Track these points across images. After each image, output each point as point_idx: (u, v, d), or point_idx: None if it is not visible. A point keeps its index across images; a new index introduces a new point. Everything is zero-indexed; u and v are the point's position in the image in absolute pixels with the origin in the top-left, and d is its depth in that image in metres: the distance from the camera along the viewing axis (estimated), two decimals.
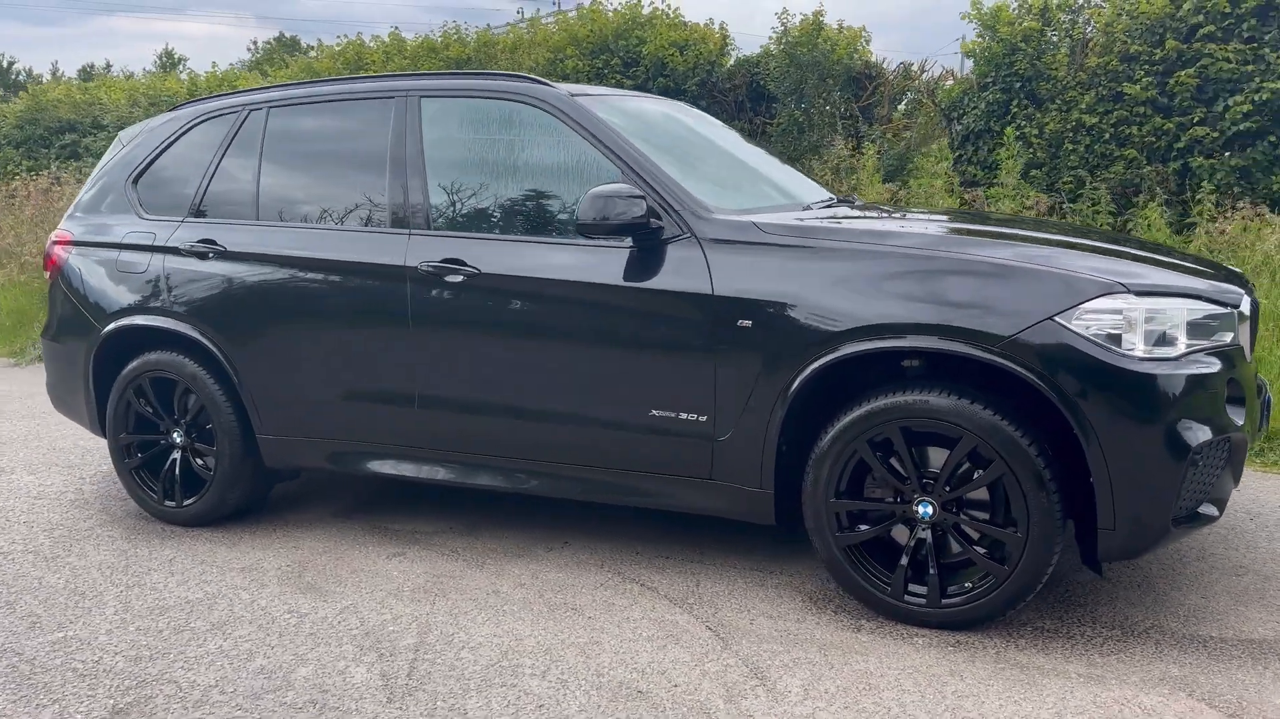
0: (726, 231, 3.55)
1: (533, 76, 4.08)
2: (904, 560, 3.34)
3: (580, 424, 3.77)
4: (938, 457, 3.33)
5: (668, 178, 3.68)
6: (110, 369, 4.70)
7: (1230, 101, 8.10)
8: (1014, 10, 9.39)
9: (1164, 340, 3.06)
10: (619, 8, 11.00)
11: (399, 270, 3.98)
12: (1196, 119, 8.25)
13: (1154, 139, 8.45)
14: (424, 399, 4.02)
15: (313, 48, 15.01)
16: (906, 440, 3.27)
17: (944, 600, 3.30)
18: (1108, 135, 8.63)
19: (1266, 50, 8.02)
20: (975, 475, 3.23)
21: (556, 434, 3.82)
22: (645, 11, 10.77)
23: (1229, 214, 7.79)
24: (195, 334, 4.41)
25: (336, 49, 12.93)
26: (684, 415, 3.58)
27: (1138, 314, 3.03)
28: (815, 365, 3.32)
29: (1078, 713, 2.81)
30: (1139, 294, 3.06)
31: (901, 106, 10.87)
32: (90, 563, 4.19)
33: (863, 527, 3.41)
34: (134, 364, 4.57)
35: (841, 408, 3.40)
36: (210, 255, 4.39)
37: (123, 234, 4.67)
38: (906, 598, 3.34)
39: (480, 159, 4.11)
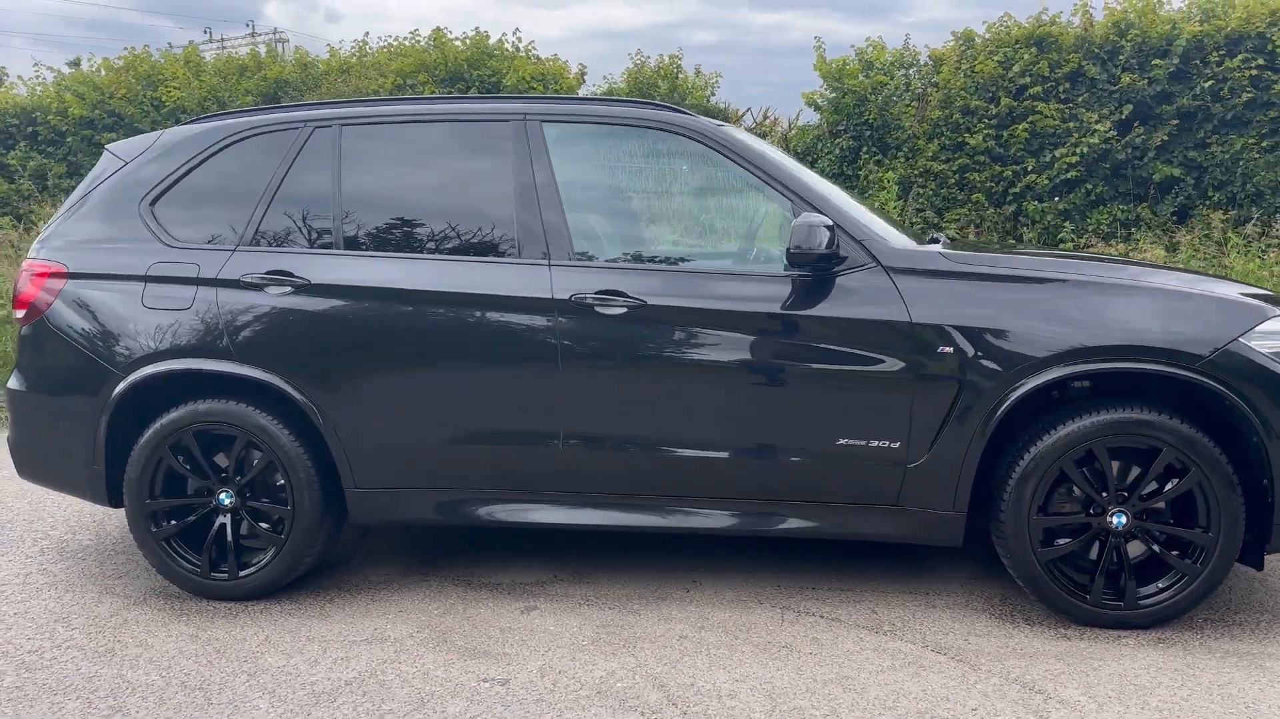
0: (912, 260, 3.65)
1: (672, 105, 3.99)
2: (1101, 569, 3.57)
3: (757, 456, 3.70)
4: (1114, 470, 3.56)
5: (845, 207, 3.73)
6: (128, 424, 4.00)
7: (1056, 153, 9.27)
8: (854, 64, 10.19)
9: None
10: (463, 37, 10.74)
11: (544, 303, 3.72)
12: (1029, 167, 9.35)
13: (993, 184, 9.48)
14: (572, 438, 3.76)
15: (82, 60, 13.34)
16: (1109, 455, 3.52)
17: (1140, 602, 3.55)
18: (953, 181, 9.57)
19: (1081, 110, 9.25)
20: (1169, 484, 3.52)
21: (728, 467, 3.73)
22: (492, 41, 10.59)
23: (1058, 247, 8.91)
24: (270, 379, 3.85)
25: (121, 62, 11.63)
26: (875, 443, 3.62)
27: None
28: (1023, 390, 3.49)
29: None
30: None
31: None
32: (167, 652, 3.53)
33: (1060, 541, 3.61)
34: (173, 416, 3.91)
35: (1030, 428, 3.59)
36: (289, 289, 3.87)
37: (146, 265, 3.99)
38: (1105, 604, 3.57)
39: (622, 187, 3.95)
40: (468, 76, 10.32)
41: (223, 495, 3.97)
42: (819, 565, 4.22)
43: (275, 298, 3.87)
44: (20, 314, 4.15)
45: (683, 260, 3.85)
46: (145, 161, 4.16)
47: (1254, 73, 8.92)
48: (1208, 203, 9.24)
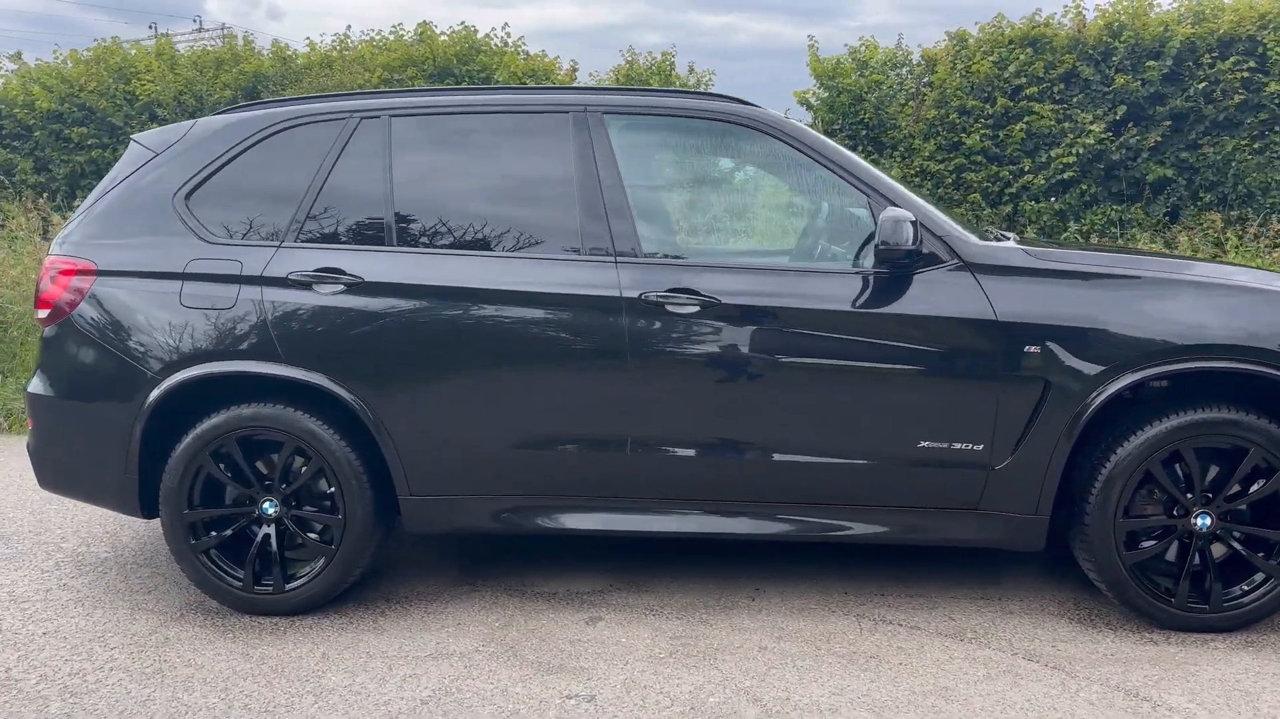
0: (995, 257, 3.56)
1: (737, 97, 3.86)
2: (1185, 572, 3.51)
3: (835, 460, 3.59)
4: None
5: (923, 204, 3.63)
6: (162, 431, 3.78)
7: (1052, 153, 9.29)
8: (848, 63, 10.13)
9: None
10: (450, 31, 10.52)
11: (612, 302, 3.57)
12: (1026, 168, 9.37)
13: (990, 184, 9.48)
14: (640, 442, 3.62)
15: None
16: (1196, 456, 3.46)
17: (1225, 605, 3.50)
18: (950, 181, 9.56)
19: (1076, 111, 9.29)
20: (1254, 485, 3.47)
21: (804, 471, 3.61)
22: (480, 36, 10.38)
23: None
24: (320, 382, 3.66)
25: (89, 54, 11.22)
26: (957, 445, 3.52)
27: None
28: (1113, 390, 3.41)
29: None
30: None
31: None
32: (220, 672, 3.32)
33: (1145, 544, 3.54)
34: (214, 421, 3.70)
35: (1111, 429, 3.52)
36: (340, 288, 3.67)
37: (183, 262, 3.77)
38: (1190, 607, 3.51)
39: (690, 181, 3.81)
40: (457, 72, 10.09)
41: (266, 504, 3.76)
42: (882, 570, 4.12)
43: (326, 297, 3.68)
44: (43, 315, 3.90)
45: (752, 256, 3.72)
46: (178, 153, 3.94)
47: (1245, 75, 9.01)
48: (1199, 203, 9.32)
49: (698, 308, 3.55)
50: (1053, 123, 9.32)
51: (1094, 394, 3.42)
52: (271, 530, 3.77)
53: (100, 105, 10.71)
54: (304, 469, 3.74)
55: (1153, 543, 3.54)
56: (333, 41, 11.01)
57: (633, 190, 3.71)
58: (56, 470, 3.98)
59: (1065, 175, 9.27)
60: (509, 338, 3.63)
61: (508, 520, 3.74)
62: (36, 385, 3.93)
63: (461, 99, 3.95)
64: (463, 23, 10.64)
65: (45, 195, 10.58)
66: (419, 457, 3.68)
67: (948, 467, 3.54)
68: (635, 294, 3.56)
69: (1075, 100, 9.38)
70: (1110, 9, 9.62)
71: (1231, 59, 9.06)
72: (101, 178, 10.76)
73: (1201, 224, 9.13)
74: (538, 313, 3.62)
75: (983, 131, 9.47)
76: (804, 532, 3.68)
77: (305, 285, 3.69)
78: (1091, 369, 3.42)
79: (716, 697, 3.11)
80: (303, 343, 3.66)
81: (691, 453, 3.62)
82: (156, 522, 4.80)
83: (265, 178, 3.88)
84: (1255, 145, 9.13)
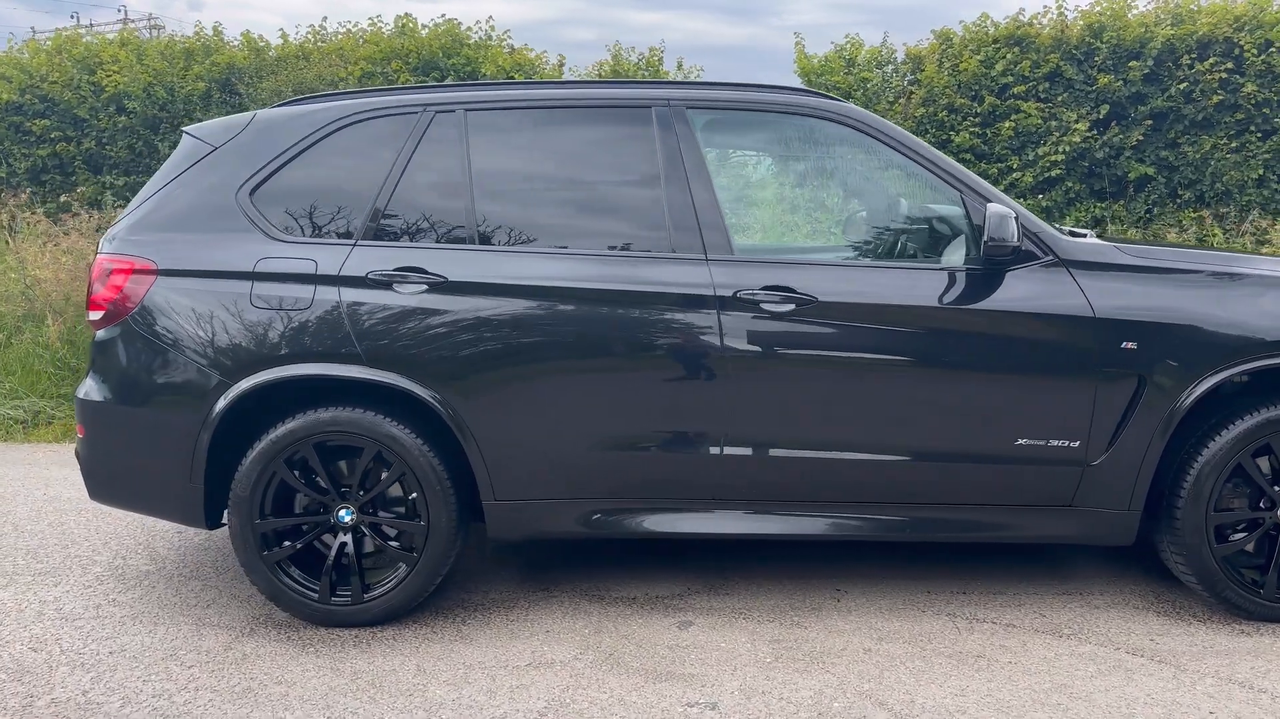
0: (1089, 254, 3.57)
1: (827, 94, 3.81)
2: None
3: (933, 459, 3.57)
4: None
5: (1013, 202, 3.62)
6: (229, 437, 3.62)
7: (1039, 151, 9.44)
8: (836, 60, 10.17)
9: None
10: (431, 24, 10.31)
11: (705, 300, 3.51)
12: (1014, 165, 9.51)
13: None
14: (733, 443, 3.56)
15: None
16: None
17: None
18: None
19: (1061, 110, 9.45)
20: None
21: (899, 472, 3.58)
22: (463, 28, 10.20)
23: None
24: (403, 384, 3.53)
25: (50, 44, 10.78)
26: (1055, 442, 3.53)
27: None
28: (1208, 385, 3.45)
29: None
30: None
31: None
32: (315, 689, 3.18)
33: (1235, 536, 3.58)
34: (290, 426, 3.55)
35: (1199, 423, 3.56)
36: (422, 287, 3.55)
37: (252, 260, 3.61)
38: (1278, 598, 3.56)
39: (776, 177, 3.75)
40: (442, 65, 9.89)
41: (342, 512, 3.62)
42: (955, 567, 4.12)
43: (407, 296, 3.55)
44: (96, 317, 3.70)
45: (834, 252, 3.68)
46: (238, 147, 3.77)
47: (1223, 76, 9.24)
48: (1178, 201, 9.55)
49: (793, 306, 3.50)
50: (1039, 121, 9.46)
51: (1189, 389, 3.45)
52: (349, 539, 3.63)
53: (65, 97, 10.29)
54: (384, 475, 3.60)
55: (1242, 535, 3.58)
56: (307, 33, 10.71)
57: (720, 186, 3.64)
58: (111, 481, 3.78)
59: (1053, 173, 9.42)
60: (598, 337, 3.55)
61: (596, 525, 3.65)
62: (89, 391, 3.73)
63: (538, 93, 3.84)
64: (444, 15, 10.45)
65: (5, 191, 10.15)
66: (504, 460, 3.58)
67: (1045, 464, 3.54)
68: (729, 292, 3.50)
69: (1060, 99, 9.54)
70: (1090, 9, 9.79)
71: (1210, 60, 9.29)
72: (65, 172, 10.46)
73: (1180, 221, 9.35)
74: (628, 312, 3.54)
75: (971, 129, 9.59)
76: (902, 533, 3.65)
77: (385, 285, 3.55)
78: (1185, 365, 3.45)
79: (840, 702, 3.07)
80: (383, 344, 3.53)
81: (786, 454, 3.57)
82: (190, 531, 4.66)
83: (336, 173, 3.73)
84: (1233, 144, 9.38)
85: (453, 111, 3.74)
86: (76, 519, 4.95)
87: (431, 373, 3.53)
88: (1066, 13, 9.80)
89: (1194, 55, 9.34)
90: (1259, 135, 9.37)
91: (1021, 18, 9.85)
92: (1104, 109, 9.44)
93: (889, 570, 4.10)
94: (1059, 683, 3.17)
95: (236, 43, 10.83)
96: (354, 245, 3.62)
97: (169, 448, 3.61)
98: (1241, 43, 9.27)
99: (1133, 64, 9.38)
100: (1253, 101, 9.29)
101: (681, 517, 3.66)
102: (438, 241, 3.64)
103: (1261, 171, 9.37)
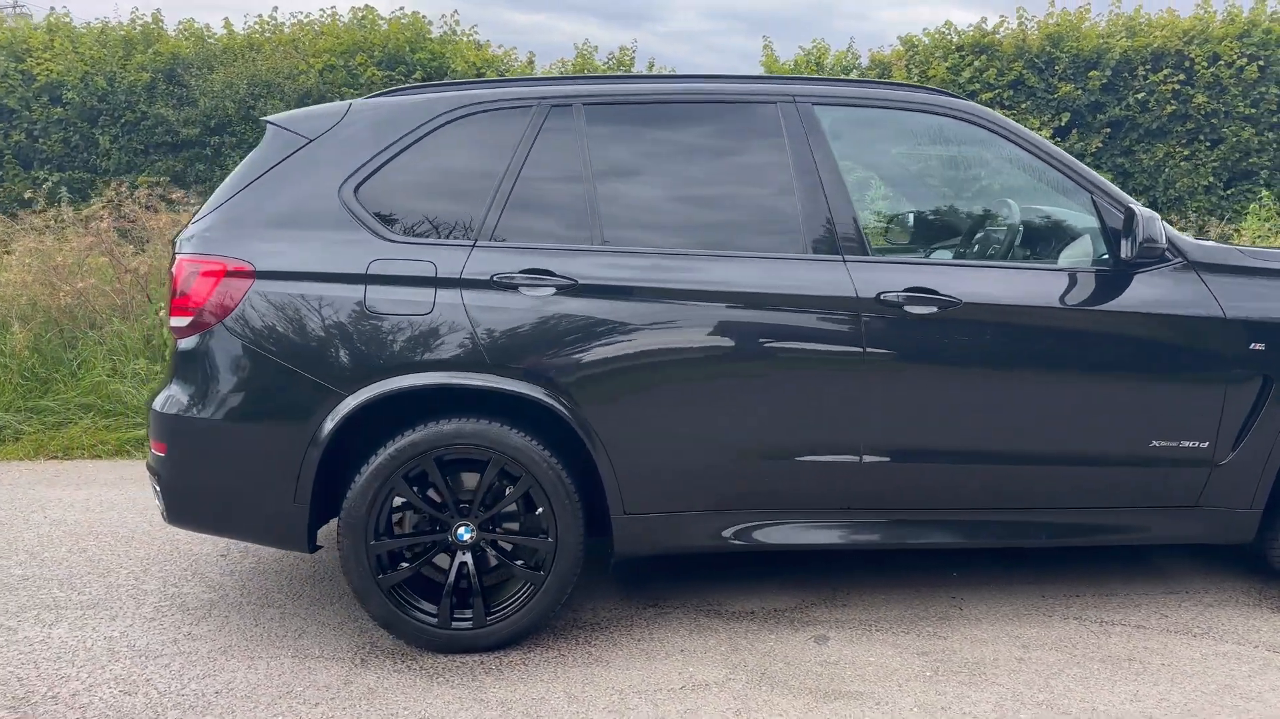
0: (1214, 257, 3.61)
1: (944, 89, 3.75)
2: None
3: (1070, 463, 3.54)
4: None
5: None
6: (337, 453, 3.36)
7: None
8: (806, 65, 10.23)
9: None
10: (391, 17, 9.95)
11: (848, 303, 3.40)
12: None
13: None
14: (873, 449, 3.47)
15: None
16: None
17: None
18: None
19: (1025, 117, 9.71)
20: None
21: (1037, 477, 3.55)
22: (426, 20, 9.88)
23: None
24: (532, 393, 3.32)
25: None
26: (1185, 443, 3.55)
27: None
28: None
29: None
30: None
31: None
32: None
33: None
34: (412, 439, 3.29)
35: None
36: (550, 290, 3.35)
37: (364, 262, 3.34)
38: None
39: (905, 175, 3.68)
40: (408, 59, 9.53)
41: (461, 530, 3.39)
42: (1058, 571, 4.11)
43: (535, 300, 3.34)
44: (182, 323, 3.38)
45: (983, 255, 3.63)
46: (337, 140, 3.49)
47: (1175, 87, 9.64)
48: None
49: (936, 308, 3.42)
50: None
51: None
52: (469, 558, 3.40)
53: None
54: (508, 489, 3.39)
55: None
56: (254, 24, 10.20)
57: (851, 184, 3.55)
58: (198, 503, 3.45)
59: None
60: (733, 342, 3.41)
61: (730, 538, 3.50)
62: (171, 404, 3.40)
63: (656, 88, 3.67)
64: (402, 8, 10.09)
65: None
66: (637, 472, 3.40)
67: (1175, 465, 3.56)
68: (872, 294, 3.41)
69: (1024, 106, 9.80)
70: (1045, 20, 10.09)
71: (1163, 71, 9.67)
72: None
73: None
74: (764, 315, 3.41)
75: None
76: (1027, 538, 3.62)
77: (512, 288, 3.34)
78: None
79: (1025, 713, 3.00)
80: (511, 351, 3.31)
81: (928, 464, 3.49)
82: (237, 553, 4.34)
83: (448, 169, 3.49)
84: (1185, 153, 9.78)
85: (569, 105, 3.54)
86: (97, 544, 4.54)
87: (561, 381, 3.33)
88: (1026, 23, 10.06)
89: (1148, 67, 9.70)
90: (1208, 144, 9.80)
91: (985, 26, 10.07)
92: (1065, 116, 9.73)
93: (994, 576, 4.07)
94: (1223, 684, 3.17)
95: (175, 32, 10.25)
96: (473, 246, 3.39)
97: (272, 467, 3.32)
98: (1192, 55, 9.67)
99: (1092, 73, 9.69)
100: (1202, 112, 9.71)
101: (817, 528, 3.54)
102: (561, 242, 3.44)
103: (1210, 179, 9.79)
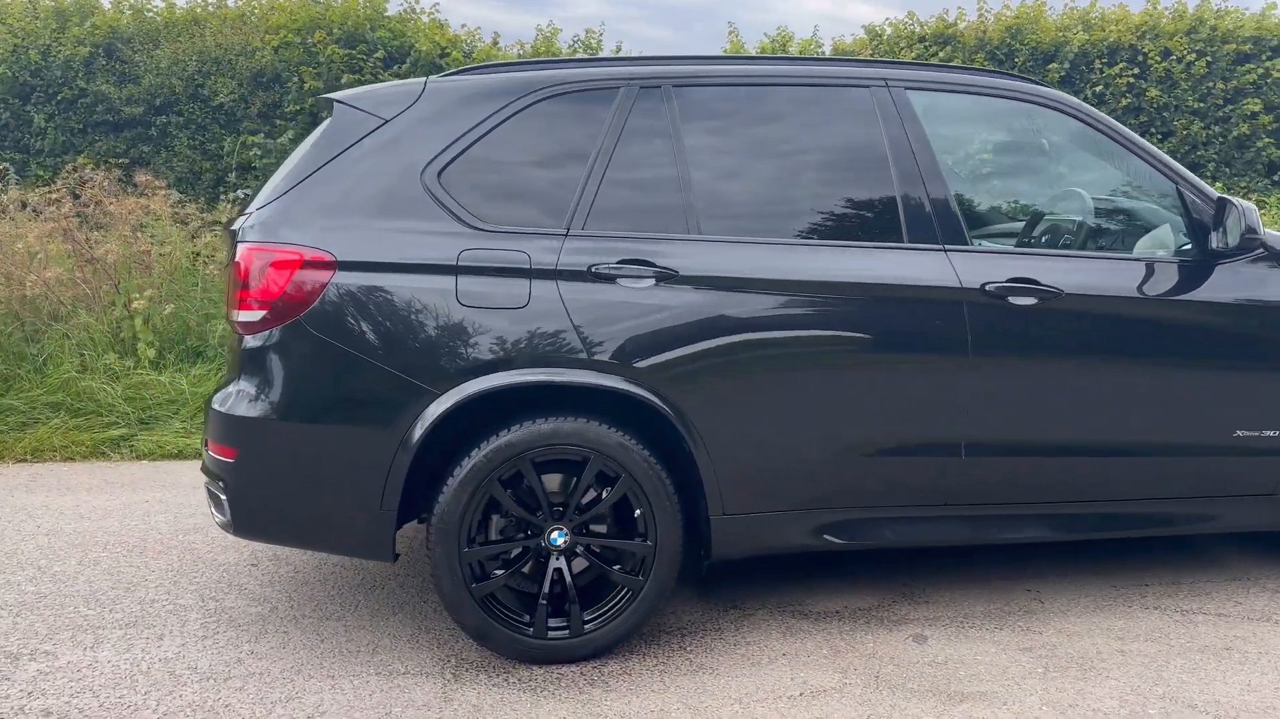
0: None
1: (1031, 78, 3.70)
2: None
3: (1160, 454, 3.54)
4: None
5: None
6: (431, 455, 3.15)
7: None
8: (760, 50, 10.19)
9: None
10: None
11: (951, 293, 3.33)
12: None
13: None
14: (975, 443, 3.41)
15: None
16: None
17: None
18: None
19: None
20: None
21: (1128, 468, 3.54)
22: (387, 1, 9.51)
23: None
24: (633, 389, 3.16)
25: None
26: (1268, 433, 3.59)
27: None
28: None
29: None
30: None
31: None
32: None
33: None
34: (508, 439, 3.10)
35: None
36: (650, 281, 3.19)
37: (455, 252, 3.13)
38: None
39: (990, 162, 3.63)
40: (369, 38, 9.13)
41: (555, 534, 3.21)
42: (1121, 560, 4.14)
43: (635, 292, 3.18)
44: (252, 318, 3.11)
45: (1081, 244, 3.60)
46: (415, 121, 3.26)
47: (1130, 80, 9.90)
48: None
49: (1037, 299, 3.38)
50: None
51: None
52: (563, 564, 3.23)
53: None
54: (605, 491, 3.23)
55: None
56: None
57: (948, 171, 3.48)
58: (272, 512, 3.20)
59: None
60: (837, 333, 3.31)
61: (833, 536, 3.40)
62: (242, 405, 3.14)
63: (747, 69, 3.53)
64: None
65: None
66: (738, 470, 3.27)
67: (1256, 454, 3.59)
68: (976, 285, 3.34)
69: None
70: (1001, 12, 10.25)
71: (1119, 65, 9.91)
72: None
73: None
74: (867, 306, 3.31)
75: None
76: (1113, 529, 3.62)
77: (609, 279, 3.17)
78: None
79: (1154, 707, 2.98)
80: (611, 345, 3.15)
81: (1029, 458, 3.45)
82: (268, 561, 4.09)
83: (535, 153, 3.30)
84: None
85: (658, 87, 3.38)
86: (108, 555, 4.21)
87: (662, 376, 3.17)
88: (987, 14, 10.20)
89: (1104, 60, 9.93)
90: (1159, 137, 10.08)
91: (947, 17, 10.18)
92: None
93: (1061, 568, 4.06)
94: None
95: (112, 5, 9.64)
96: (566, 235, 3.21)
97: (357, 472, 3.09)
98: (1145, 50, 9.92)
99: (1051, 66, 9.87)
100: (1154, 105, 9.98)
101: (915, 525, 3.47)
102: (656, 230, 3.28)
103: None
